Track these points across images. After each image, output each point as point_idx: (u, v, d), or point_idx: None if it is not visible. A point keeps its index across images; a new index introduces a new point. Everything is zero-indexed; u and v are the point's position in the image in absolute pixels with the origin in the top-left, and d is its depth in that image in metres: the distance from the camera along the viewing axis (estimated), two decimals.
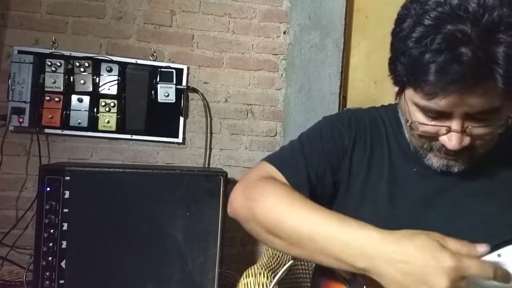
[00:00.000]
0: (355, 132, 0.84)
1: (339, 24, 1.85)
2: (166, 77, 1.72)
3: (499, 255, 0.69)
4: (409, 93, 0.70)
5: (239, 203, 0.78)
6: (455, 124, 0.66)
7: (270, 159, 0.84)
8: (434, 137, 0.70)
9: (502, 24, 0.59)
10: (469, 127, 0.66)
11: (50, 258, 1.33)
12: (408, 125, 0.73)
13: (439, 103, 0.64)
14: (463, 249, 0.59)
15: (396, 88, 0.75)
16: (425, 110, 0.68)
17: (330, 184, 0.82)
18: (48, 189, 1.34)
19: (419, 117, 0.70)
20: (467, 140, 0.67)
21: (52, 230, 1.34)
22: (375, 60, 1.90)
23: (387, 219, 0.76)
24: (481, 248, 0.60)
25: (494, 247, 0.69)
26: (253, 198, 0.75)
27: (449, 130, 0.67)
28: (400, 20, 0.68)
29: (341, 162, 0.82)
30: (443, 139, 0.68)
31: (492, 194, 0.75)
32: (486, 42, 0.59)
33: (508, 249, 0.68)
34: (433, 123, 0.68)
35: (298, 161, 0.81)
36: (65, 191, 1.35)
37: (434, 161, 0.73)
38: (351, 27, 1.94)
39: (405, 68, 0.66)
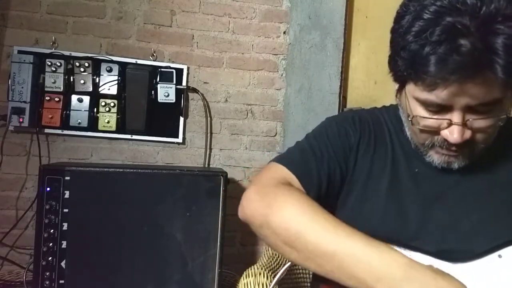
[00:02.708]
0: (360, 131, 0.84)
1: (339, 24, 1.85)
2: (166, 77, 1.72)
3: (499, 256, 0.69)
4: (410, 88, 0.70)
5: (253, 208, 0.73)
6: (456, 117, 0.66)
7: (281, 161, 0.81)
8: (435, 132, 0.70)
9: (499, 15, 0.60)
10: (470, 119, 0.66)
11: (50, 258, 1.33)
12: (409, 119, 0.73)
13: (440, 94, 0.64)
14: None
15: (397, 86, 0.75)
16: (426, 104, 0.68)
17: (338, 183, 0.82)
18: (48, 189, 1.34)
19: (420, 111, 0.70)
20: (468, 134, 0.67)
21: (52, 230, 1.34)
22: (375, 60, 1.90)
23: (388, 218, 0.76)
24: None
25: (495, 248, 0.69)
26: (270, 205, 0.71)
27: (450, 124, 0.67)
28: (399, 17, 0.69)
29: (348, 160, 0.82)
30: (445, 133, 0.68)
31: (494, 194, 0.75)
32: (484, 34, 0.60)
33: (509, 249, 0.68)
34: (434, 117, 0.69)
35: (310, 163, 0.79)
36: (65, 191, 1.34)
37: (435, 158, 0.73)
38: (351, 27, 1.94)
39: (405, 63, 0.67)
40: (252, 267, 0.90)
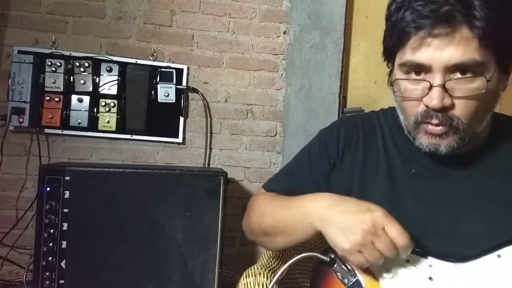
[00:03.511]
0: (344, 139, 0.88)
1: (339, 24, 1.85)
2: (166, 77, 1.72)
3: (499, 256, 0.69)
4: (397, 60, 0.73)
5: (244, 227, 0.93)
6: (436, 79, 0.67)
7: (262, 185, 0.97)
8: (419, 101, 0.71)
9: None
10: (450, 80, 0.67)
11: (50, 258, 1.33)
12: (391, 85, 0.76)
13: (417, 49, 0.67)
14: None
15: (389, 71, 0.78)
16: (407, 68, 0.70)
17: None
18: (48, 189, 1.34)
19: (405, 83, 0.72)
20: (448, 100, 0.67)
21: (52, 230, 1.33)
22: (375, 60, 1.90)
23: None
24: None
25: (494, 248, 0.69)
26: (247, 215, 0.91)
27: (431, 87, 0.67)
28: (388, 4, 0.73)
29: (329, 177, 0.88)
30: (426, 99, 0.69)
31: (492, 195, 0.75)
32: None
33: (508, 249, 0.69)
34: (415, 78, 0.70)
35: (285, 183, 0.92)
36: (65, 191, 1.34)
37: (423, 140, 0.74)
38: (351, 27, 1.94)
39: (388, 32, 0.72)
40: (252, 267, 0.90)
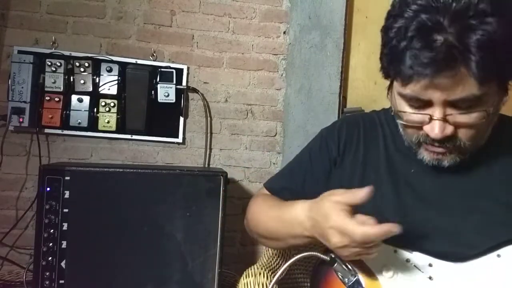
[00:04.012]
0: (345, 138, 0.88)
1: (339, 24, 1.85)
2: (166, 77, 1.72)
3: (498, 255, 0.69)
4: (395, 84, 0.73)
5: (245, 224, 0.95)
6: (436, 112, 0.67)
7: (265, 183, 0.99)
8: (419, 127, 0.71)
9: (471, 10, 0.61)
10: (451, 114, 0.67)
11: (50, 258, 1.33)
12: (392, 114, 0.76)
13: (417, 89, 0.66)
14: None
15: (387, 88, 0.77)
16: (407, 99, 0.70)
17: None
18: (48, 189, 1.34)
19: (404, 107, 0.72)
20: (450, 129, 0.68)
21: (52, 230, 1.33)
22: (375, 60, 1.88)
23: (388, 218, 0.76)
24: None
25: (493, 247, 0.69)
26: (247, 217, 0.94)
27: (431, 119, 0.68)
28: (387, 16, 0.71)
29: (330, 175, 0.88)
30: (427, 128, 0.70)
31: (491, 194, 0.75)
32: (458, 30, 0.61)
33: (508, 249, 0.69)
34: (416, 111, 0.70)
35: (286, 182, 0.94)
36: (65, 191, 1.34)
37: (425, 155, 0.75)
38: (351, 27, 1.94)
39: (387, 59, 0.71)
40: (252, 267, 0.90)
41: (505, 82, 0.68)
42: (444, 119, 0.67)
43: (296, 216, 0.76)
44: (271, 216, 0.85)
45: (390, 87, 0.77)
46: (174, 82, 1.72)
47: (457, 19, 0.61)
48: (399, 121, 0.76)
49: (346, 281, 0.72)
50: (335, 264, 0.72)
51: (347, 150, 0.86)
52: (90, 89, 1.65)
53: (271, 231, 0.84)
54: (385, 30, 0.70)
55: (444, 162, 0.73)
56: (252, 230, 0.92)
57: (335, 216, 0.67)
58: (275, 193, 0.92)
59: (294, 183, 0.91)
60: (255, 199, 0.94)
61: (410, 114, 0.71)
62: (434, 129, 0.68)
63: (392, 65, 0.69)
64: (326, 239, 0.69)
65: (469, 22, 0.61)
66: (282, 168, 1.02)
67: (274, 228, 0.83)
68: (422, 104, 0.69)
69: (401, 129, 0.80)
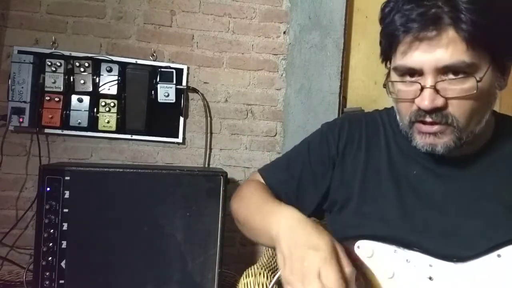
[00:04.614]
0: (346, 137, 0.87)
1: (339, 24, 1.85)
2: (166, 77, 1.72)
3: (499, 256, 0.69)
4: (392, 64, 0.74)
5: (230, 205, 0.93)
6: (427, 81, 0.68)
7: (260, 168, 0.96)
8: (411, 101, 0.72)
9: None
10: (442, 82, 0.67)
11: (50, 258, 1.33)
12: (384, 85, 0.77)
13: (405, 49, 0.68)
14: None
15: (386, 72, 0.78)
16: (400, 72, 0.72)
17: (314, 194, 0.88)
18: (48, 189, 1.34)
19: (398, 84, 0.73)
20: (440, 100, 0.68)
21: (52, 230, 1.34)
22: (375, 60, 1.88)
23: (389, 219, 0.76)
24: None
25: (494, 248, 0.69)
26: (233, 197, 0.92)
27: (422, 89, 0.69)
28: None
29: (327, 172, 0.87)
30: (417, 100, 0.70)
31: (492, 196, 0.75)
32: None
33: (508, 249, 0.69)
34: (408, 84, 0.71)
35: (281, 170, 0.91)
36: (65, 191, 1.34)
37: (418, 139, 0.74)
38: (351, 27, 1.94)
39: (382, 36, 0.73)
40: (252, 267, 0.90)
41: (498, 54, 0.68)
42: (435, 88, 0.67)
43: (277, 219, 0.72)
44: (254, 207, 0.82)
45: (387, 76, 0.78)
46: (174, 82, 1.72)
47: None
48: (392, 97, 0.77)
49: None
50: None
51: (348, 149, 0.86)
52: (90, 89, 1.65)
53: (248, 227, 0.83)
54: (381, 14, 0.74)
55: (438, 147, 0.72)
56: (232, 211, 0.91)
57: (325, 253, 0.63)
58: (269, 183, 0.91)
59: (290, 174, 0.89)
60: (248, 184, 0.92)
61: (401, 85, 0.72)
62: (424, 99, 0.68)
63: (384, 33, 0.72)
64: (282, 263, 0.66)
65: None
66: (278, 158, 0.99)
67: (252, 220, 0.81)
68: (414, 77, 0.70)
69: (398, 117, 0.79)
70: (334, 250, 0.64)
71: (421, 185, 0.78)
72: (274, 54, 1.86)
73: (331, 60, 1.84)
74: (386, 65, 0.78)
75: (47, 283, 1.33)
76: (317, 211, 0.90)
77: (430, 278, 0.70)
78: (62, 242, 1.34)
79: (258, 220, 0.78)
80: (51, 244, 1.34)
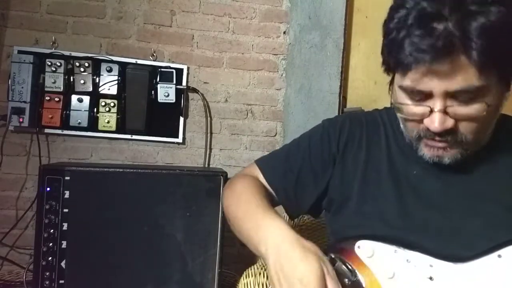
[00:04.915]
0: (347, 135, 0.87)
1: (339, 24, 1.85)
2: (166, 77, 1.72)
3: (499, 256, 0.69)
4: (396, 78, 0.72)
5: (222, 197, 0.93)
6: (436, 104, 0.67)
7: (258, 160, 0.94)
8: (419, 121, 0.71)
9: None
10: (452, 106, 0.66)
11: (50, 258, 1.33)
12: (392, 106, 0.76)
13: (416, 78, 0.66)
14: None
15: (388, 84, 0.77)
16: (408, 92, 0.70)
17: (313, 189, 0.87)
18: (48, 189, 1.34)
19: (405, 100, 0.72)
20: (450, 122, 0.67)
21: (52, 230, 1.33)
22: (375, 60, 1.88)
23: (389, 219, 0.76)
24: None
25: (494, 248, 0.69)
26: (226, 190, 0.90)
27: (431, 111, 0.68)
28: (389, 10, 0.71)
29: (327, 168, 0.86)
30: (427, 121, 0.69)
31: (493, 196, 0.75)
32: (459, 18, 0.61)
33: (509, 249, 0.69)
34: (416, 104, 0.70)
35: (280, 164, 0.89)
36: (65, 191, 1.34)
37: (425, 151, 0.74)
38: (351, 27, 1.94)
39: (387, 49, 0.70)
40: (252, 267, 0.90)
41: (506, 75, 0.68)
42: (444, 111, 0.66)
43: (266, 237, 0.71)
44: (245, 209, 0.81)
45: (391, 82, 0.76)
46: (174, 82, 1.72)
47: (457, 7, 0.61)
48: (399, 115, 0.76)
49: (346, 281, 0.71)
50: (336, 264, 0.72)
51: (348, 148, 0.85)
52: (90, 89, 1.65)
53: (238, 229, 0.81)
54: (386, 22, 0.70)
55: (445, 159, 0.72)
56: (224, 206, 0.89)
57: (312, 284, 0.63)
58: (267, 178, 0.89)
59: (289, 169, 0.88)
60: (242, 179, 0.89)
61: (411, 106, 0.71)
62: (434, 122, 0.67)
63: (391, 54, 0.69)
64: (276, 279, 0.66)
65: (470, 9, 0.61)
66: (277, 151, 0.97)
67: (241, 223, 0.79)
68: (422, 96, 0.68)
69: (401, 124, 0.79)
70: (321, 278, 0.64)
71: (422, 185, 0.78)
72: (274, 54, 1.86)
73: (331, 60, 1.84)
74: (387, 73, 0.77)
75: (47, 283, 1.33)
76: (315, 208, 0.89)
77: (431, 278, 0.70)
78: (62, 242, 1.34)
79: (246, 229, 0.77)
80: (51, 244, 1.33)
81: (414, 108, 0.70)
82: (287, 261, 0.66)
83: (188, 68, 1.78)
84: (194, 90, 1.79)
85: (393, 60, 0.69)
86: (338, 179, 0.84)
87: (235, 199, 0.85)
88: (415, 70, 0.65)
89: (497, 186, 0.75)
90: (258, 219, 0.75)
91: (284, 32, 1.87)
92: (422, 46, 0.62)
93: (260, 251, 0.71)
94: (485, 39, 0.60)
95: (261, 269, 0.90)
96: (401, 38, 0.65)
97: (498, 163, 0.77)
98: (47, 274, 1.33)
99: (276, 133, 1.87)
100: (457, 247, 0.71)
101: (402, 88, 0.70)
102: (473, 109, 0.67)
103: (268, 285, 0.83)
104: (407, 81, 0.68)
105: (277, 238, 0.69)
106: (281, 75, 1.87)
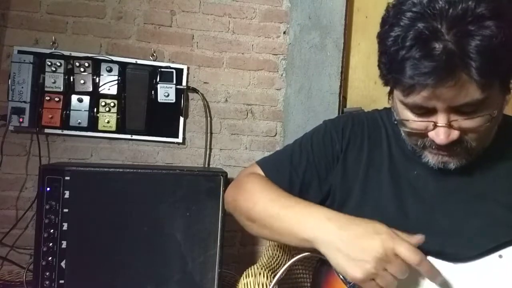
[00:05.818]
0: (349, 135, 0.86)
1: (339, 24, 1.85)
2: (166, 77, 1.72)
3: (500, 256, 0.69)
4: (396, 92, 0.71)
5: (228, 196, 0.91)
6: (440, 119, 0.67)
7: (260, 161, 0.93)
8: (424, 133, 0.71)
9: (468, 15, 0.60)
10: (456, 120, 0.66)
11: (50, 258, 1.33)
12: (395, 122, 0.75)
13: (419, 98, 0.65)
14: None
15: (388, 89, 0.76)
16: (410, 107, 0.69)
17: (318, 191, 0.86)
18: (48, 189, 1.34)
19: (407, 114, 0.71)
20: (455, 134, 0.67)
21: (52, 230, 1.34)
22: (375, 60, 1.89)
23: (390, 219, 0.76)
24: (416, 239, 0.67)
25: (495, 248, 0.69)
26: (237, 191, 0.88)
27: (435, 125, 0.67)
28: (382, 22, 0.71)
29: (331, 170, 0.86)
30: (431, 134, 0.69)
31: (493, 196, 0.75)
32: (458, 36, 0.60)
33: (509, 250, 0.69)
34: (420, 119, 0.69)
35: (284, 166, 0.88)
36: (65, 191, 1.34)
37: (430, 158, 0.74)
38: (351, 27, 1.94)
39: (385, 68, 0.69)
40: (252, 267, 0.90)
41: (507, 82, 0.68)
42: (449, 125, 0.66)
43: (317, 219, 0.71)
44: (277, 200, 0.78)
45: (390, 93, 0.76)
46: (174, 82, 1.72)
47: (455, 25, 0.60)
48: (402, 129, 0.75)
49: (347, 281, 0.71)
50: None
51: (350, 148, 0.85)
52: (90, 89, 1.65)
53: (270, 219, 0.77)
54: (382, 37, 0.69)
55: (450, 165, 0.73)
56: (240, 209, 0.84)
57: (387, 233, 0.65)
58: (272, 180, 0.87)
59: (293, 172, 0.87)
60: (252, 178, 0.87)
61: (414, 122, 0.70)
62: (440, 135, 0.67)
63: (391, 74, 0.68)
64: (353, 264, 0.65)
65: (468, 27, 0.60)
66: (279, 152, 0.95)
67: (276, 215, 0.76)
68: (425, 110, 0.68)
69: (404, 136, 0.79)
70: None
71: (422, 185, 0.78)
72: (274, 54, 1.86)
73: (331, 60, 1.84)
74: (386, 85, 0.75)
75: (47, 283, 1.33)
76: None
77: None
78: (62, 242, 1.34)
79: (288, 221, 0.74)
80: (51, 244, 1.34)
81: (418, 124, 0.70)
82: (354, 228, 0.67)
83: (188, 68, 1.78)
84: (194, 90, 1.79)
85: (394, 80, 0.68)
86: (340, 179, 0.84)
87: (255, 198, 0.82)
88: (418, 92, 0.64)
89: (497, 186, 0.75)
90: (295, 209, 0.75)
91: (284, 32, 1.87)
92: (424, 69, 0.61)
93: (307, 237, 0.70)
94: (485, 56, 0.60)
95: (261, 269, 0.90)
96: (401, 59, 0.63)
97: (498, 163, 0.77)
98: (47, 274, 1.33)
99: (276, 133, 1.87)
100: (458, 247, 0.71)
101: (404, 103, 0.70)
102: (477, 121, 0.67)
103: (268, 285, 0.82)
104: (409, 100, 0.67)
105: (329, 220, 0.70)
106: (281, 75, 1.87)
